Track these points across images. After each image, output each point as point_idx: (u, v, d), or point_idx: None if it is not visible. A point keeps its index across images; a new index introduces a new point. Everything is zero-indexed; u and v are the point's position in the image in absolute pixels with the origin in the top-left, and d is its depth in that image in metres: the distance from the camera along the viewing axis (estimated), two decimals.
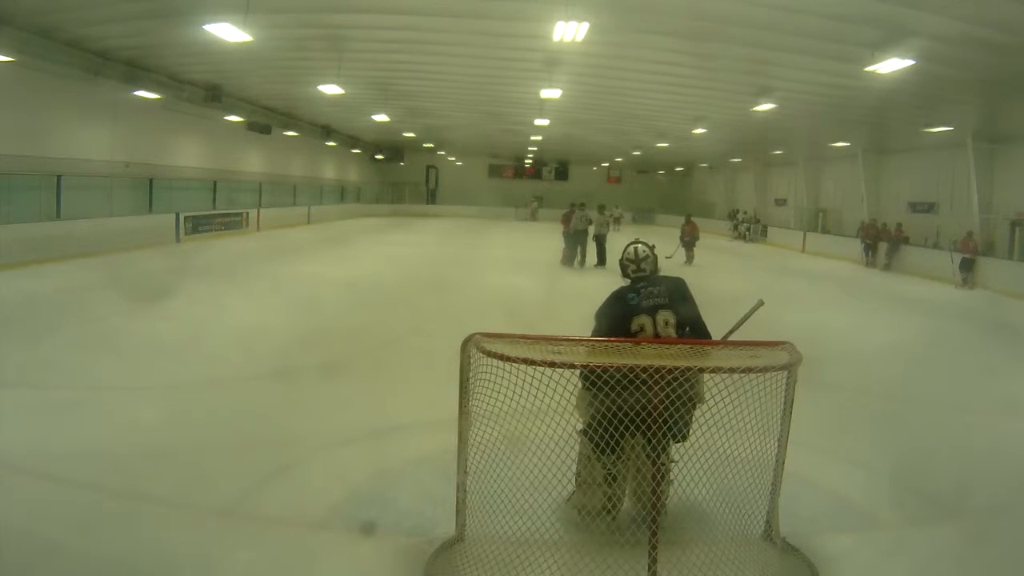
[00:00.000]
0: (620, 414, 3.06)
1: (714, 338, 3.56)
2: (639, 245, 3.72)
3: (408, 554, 3.20)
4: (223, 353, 7.03)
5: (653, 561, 2.82)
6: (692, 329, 3.54)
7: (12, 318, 8.19)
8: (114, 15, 10.69)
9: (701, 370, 3.06)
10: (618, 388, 2.94)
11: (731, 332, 3.54)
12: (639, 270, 3.65)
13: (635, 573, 2.88)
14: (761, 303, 3.75)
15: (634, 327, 3.48)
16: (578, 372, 3.14)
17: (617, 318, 3.52)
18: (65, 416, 4.89)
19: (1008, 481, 4.39)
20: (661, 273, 3.73)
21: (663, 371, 2.84)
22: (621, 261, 3.74)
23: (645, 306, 3.50)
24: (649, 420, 3.01)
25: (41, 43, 11.43)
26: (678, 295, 3.58)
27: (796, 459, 3.43)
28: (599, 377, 3.06)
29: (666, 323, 3.48)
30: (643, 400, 2.93)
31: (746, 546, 3.12)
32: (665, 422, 3.01)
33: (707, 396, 3.05)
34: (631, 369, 2.89)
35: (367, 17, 10.73)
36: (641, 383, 2.88)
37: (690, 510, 2.99)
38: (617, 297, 3.60)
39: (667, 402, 2.95)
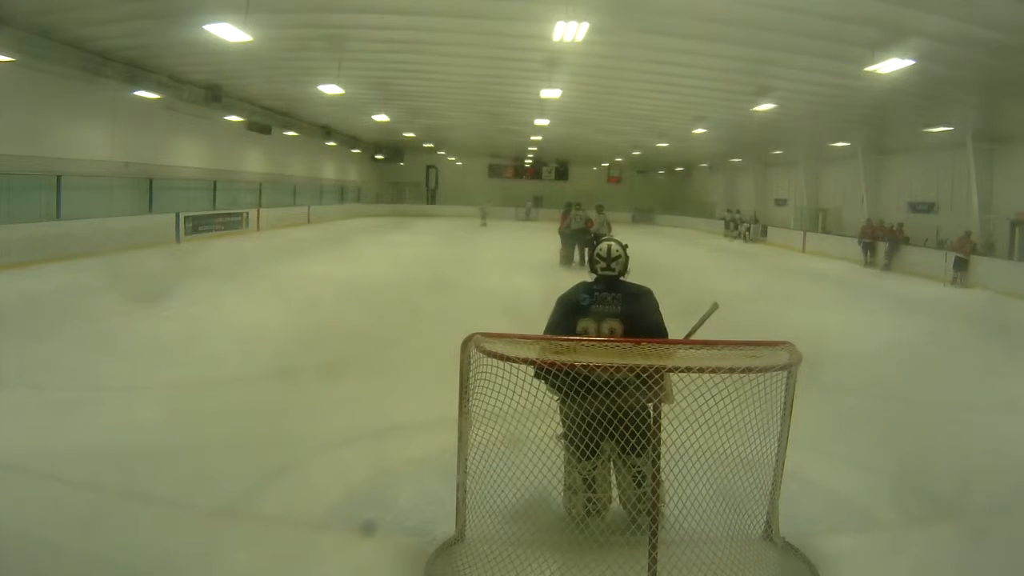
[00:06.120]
0: (588, 418, 3.06)
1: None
2: (612, 243, 3.65)
3: (408, 554, 3.20)
4: (223, 353, 7.03)
5: (653, 561, 2.82)
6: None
7: (12, 318, 8.19)
8: (114, 15, 10.69)
9: (686, 370, 3.01)
10: (582, 392, 2.94)
11: (688, 336, 3.48)
12: (608, 269, 3.58)
13: (635, 573, 2.88)
14: (716, 306, 3.70)
15: (579, 328, 3.46)
16: (542, 377, 3.08)
17: (567, 315, 3.52)
18: (65, 416, 4.89)
19: (1008, 481, 4.39)
20: (629, 277, 3.66)
21: (612, 372, 2.85)
22: (591, 257, 3.68)
23: (594, 311, 3.47)
24: (615, 423, 3.02)
25: (41, 43, 11.42)
26: (634, 307, 3.49)
27: (796, 459, 3.42)
28: (557, 379, 3.05)
29: (611, 332, 3.43)
30: (607, 403, 2.93)
31: (746, 546, 3.12)
32: (627, 428, 3.02)
33: (676, 395, 3.01)
34: (591, 371, 2.89)
35: (367, 17, 10.73)
36: (598, 388, 2.89)
37: (690, 510, 2.99)
38: (572, 294, 3.58)
39: (625, 408, 2.97)
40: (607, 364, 2.90)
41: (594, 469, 3.37)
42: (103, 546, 3.23)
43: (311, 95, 17.16)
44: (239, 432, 4.79)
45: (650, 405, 3.08)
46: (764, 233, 28.17)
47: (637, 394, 2.93)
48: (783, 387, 3.03)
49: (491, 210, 32.82)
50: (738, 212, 30.59)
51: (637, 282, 3.67)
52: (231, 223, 21.18)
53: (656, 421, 3.00)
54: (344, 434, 4.76)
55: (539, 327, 3.59)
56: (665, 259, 18.69)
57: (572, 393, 2.97)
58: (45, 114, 13.88)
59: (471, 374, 3.05)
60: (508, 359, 2.90)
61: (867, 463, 4.55)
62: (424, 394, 5.28)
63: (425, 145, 34.28)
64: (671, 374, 2.98)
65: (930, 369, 7.69)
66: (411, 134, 28.74)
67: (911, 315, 11.77)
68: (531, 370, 2.94)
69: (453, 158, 39.84)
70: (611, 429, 3.05)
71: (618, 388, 2.90)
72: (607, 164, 40.53)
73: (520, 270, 14.96)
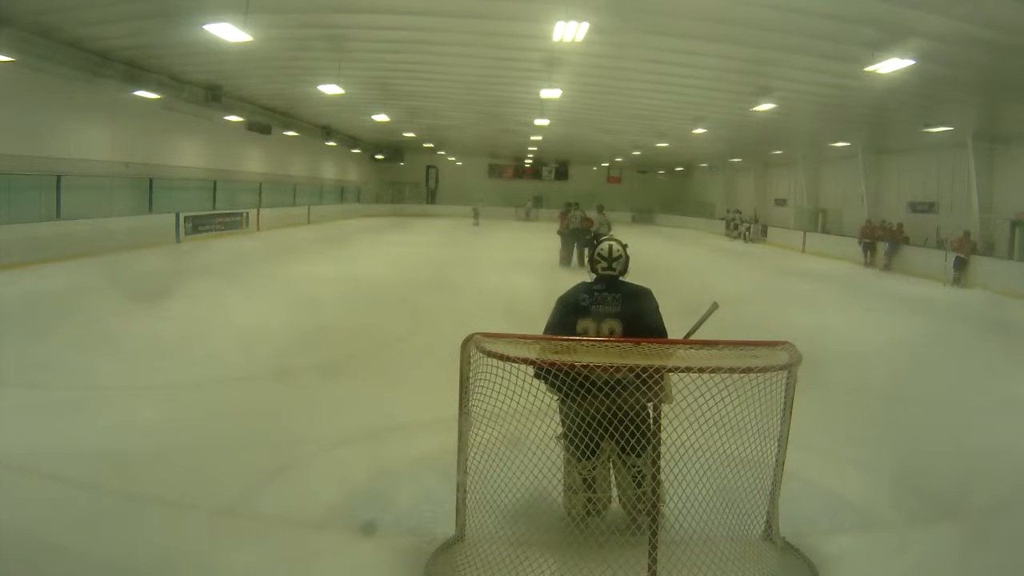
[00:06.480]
0: (588, 418, 3.06)
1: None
2: (613, 243, 3.64)
3: (408, 554, 3.20)
4: (223, 353, 7.02)
5: (653, 561, 2.82)
6: None
7: (12, 318, 8.19)
8: (114, 15, 10.69)
9: (686, 370, 2.98)
10: (582, 392, 2.94)
11: (688, 336, 3.49)
12: (609, 268, 3.57)
13: (635, 573, 2.88)
14: (716, 306, 3.71)
15: (579, 328, 3.46)
16: (542, 377, 3.08)
17: (567, 315, 3.51)
18: (65, 416, 4.89)
19: (1008, 481, 4.39)
20: (627, 278, 3.65)
21: (611, 372, 2.87)
22: (592, 256, 3.66)
23: (594, 311, 3.47)
24: (615, 423, 3.02)
25: (41, 43, 11.42)
26: (634, 307, 3.49)
27: (796, 459, 3.42)
28: (557, 379, 3.04)
29: (611, 332, 3.43)
30: (607, 403, 2.94)
31: (746, 546, 3.12)
32: (627, 428, 3.02)
33: (676, 396, 3.00)
34: (591, 371, 2.89)
35: (367, 17, 10.73)
36: (597, 388, 2.90)
37: (690, 510, 2.99)
38: (572, 294, 3.58)
39: (624, 408, 2.97)
40: (607, 364, 2.91)
41: (594, 469, 3.37)
42: (103, 546, 3.23)
43: (311, 95, 17.15)
44: (239, 432, 4.79)
45: (650, 405, 3.08)
46: (764, 233, 28.16)
47: (637, 394, 2.93)
48: (783, 387, 3.03)
49: (483, 210, 32.90)
50: (738, 212, 30.60)
51: (637, 282, 3.67)
52: (231, 223, 21.17)
53: (656, 421, 3.00)
54: (344, 434, 4.75)
55: (539, 327, 3.59)
56: (665, 259, 18.70)
57: (572, 393, 2.97)
58: (45, 114, 13.87)
59: (471, 374, 3.05)
60: (508, 359, 2.90)
61: (867, 463, 4.55)
62: (424, 394, 5.27)
63: (425, 145, 34.26)
64: (671, 374, 2.98)
65: (930, 369, 7.69)
66: (411, 134, 28.74)
67: (911, 315, 11.77)
68: (531, 370, 2.94)
69: (453, 158, 39.82)
70: (611, 429, 3.05)
71: (618, 388, 2.90)
72: (607, 164, 40.51)
73: (520, 270, 14.96)
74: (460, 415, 3.12)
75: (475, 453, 3.14)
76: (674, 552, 2.94)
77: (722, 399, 2.83)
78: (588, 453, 3.25)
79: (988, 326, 10.96)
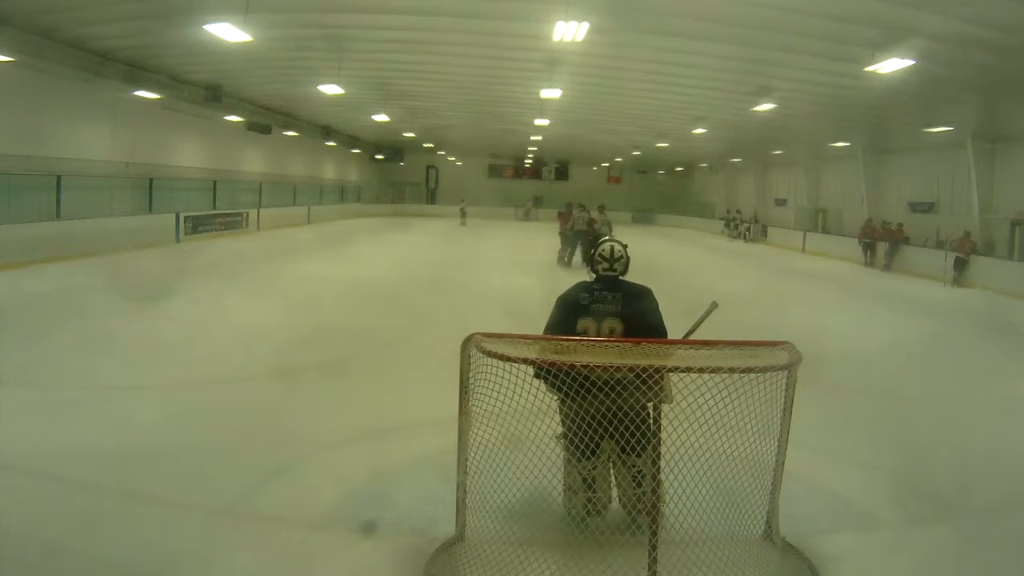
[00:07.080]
0: (588, 418, 3.06)
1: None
2: (615, 244, 3.65)
3: (408, 554, 3.20)
4: (223, 353, 7.03)
5: (653, 561, 2.82)
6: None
7: (12, 318, 8.19)
8: (114, 15, 10.69)
9: (686, 370, 2.98)
10: (582, 392, 2.94)
11: (687, 335, 3.50)
12: (610, 269, 3.59)
13: (635, 573, 2.88)
14: (715, 305, 3.72)
15: (579, 328, 3.47)
16: (542, 377, 3.08)
17: (567, 314, 3.52)
18: (65, 416, 4.89)
19: (1008, 481, 4.39)
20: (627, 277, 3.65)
21: (611, 372, 2.87)
22: (592, 256, 3.66)
23: (594, 310, 3.48)
24: (615, 423, 3.02)
25: (41, 43, 11.42)
26: (634, 307, 3.50)
27: (796, 459, 3.42)
28: (557, 379, 3.05)
29: (611, 331, 3.44)
30: (607, 403, 2.94)
31: (746, 546, 3.12)
32: (627, 428, 3.02)
33: (677, 396, 3.01)
34: (591, 371, 2.90)
35: (367, 17, 10.73)
36: (597, 388, 2.90)
37: (690, 510, 2.99)
38: (572, 293, 3.58)
39: (624, 408, 2.98)
40: (607, 364, 2.91)
41: (594, 469, 3.37)
42: (103, 546, 3.23)
43: (311, 95, 17.15)
44: (239, 432, 4.78)
45: (650, 405, 3.08)
46: (764, 233, 28.16)
47: (637, 394, 2.93)
48: (783, 387, 3.03)
49: (470, 209, 32.86)
50: (738, 212, 30.61)
51: (636, 282, 3.68)
52: (231, 223, 21.18)
53: (656, 421, 3.01)
54: (344, 434, 4.75)
55: (538, 327, 3.59)
56: (665, 259, 18.70)
57: (572, 393, 2.97)
58: (45, 114, 13.88)
59: (471, 374, 3.05)
60: (508, 359, 2.90)
61: (867, 463, 4.55)
62: (424, 394, 5.27)
63: (425, 145, 34.27)
64: (671, 374, 2.98)
65: (930, 369, 7.69)
66: (411, 134, 28.74)
67: (911, 315, 11.77)
68: (531, 370, 2.94)
69: (453, 158, 39.83)
70: (611, 429, 3.05)
71: (618, 388, 2.90)
72: (607, 164, 40.51)
73: (519, 270, 14.96)
74: (460, 415, 3.12)
75: (475, 453, 3.14)
76: (674, 552, 2.95)
77: (722, 399, 2.83)
78: (588, 453, 3.25)
79: (988, 326, 10.96)
